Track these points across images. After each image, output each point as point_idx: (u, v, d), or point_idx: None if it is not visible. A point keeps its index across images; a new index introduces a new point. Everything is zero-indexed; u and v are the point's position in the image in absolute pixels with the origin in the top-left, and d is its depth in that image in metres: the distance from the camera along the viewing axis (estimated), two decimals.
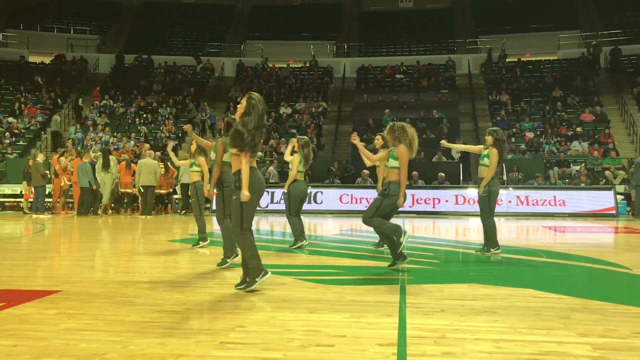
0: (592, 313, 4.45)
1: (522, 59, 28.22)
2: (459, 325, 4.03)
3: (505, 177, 18.53)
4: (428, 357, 3.33)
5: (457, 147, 9.79)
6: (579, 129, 21.64)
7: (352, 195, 17.68)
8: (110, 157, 16.97)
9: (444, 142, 8.96)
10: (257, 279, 5.15)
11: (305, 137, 8.90)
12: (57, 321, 4.08)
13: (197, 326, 4.00)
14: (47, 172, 17.29)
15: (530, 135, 21.99)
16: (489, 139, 7.91)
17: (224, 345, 3.51)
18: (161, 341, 3.59)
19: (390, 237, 6.28)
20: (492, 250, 7.89)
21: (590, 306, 4.72)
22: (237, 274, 6.23)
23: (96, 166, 16.66)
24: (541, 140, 21.56)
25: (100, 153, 17.67)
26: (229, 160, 5.59)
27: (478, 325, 4.05)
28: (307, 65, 30.16)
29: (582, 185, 17.91)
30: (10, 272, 6.47)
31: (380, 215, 6.32)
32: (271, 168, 19.35)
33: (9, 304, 4.58)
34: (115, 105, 26.19)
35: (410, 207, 16.90)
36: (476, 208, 16.74)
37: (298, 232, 8.56)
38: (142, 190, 15.90)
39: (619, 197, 17.16)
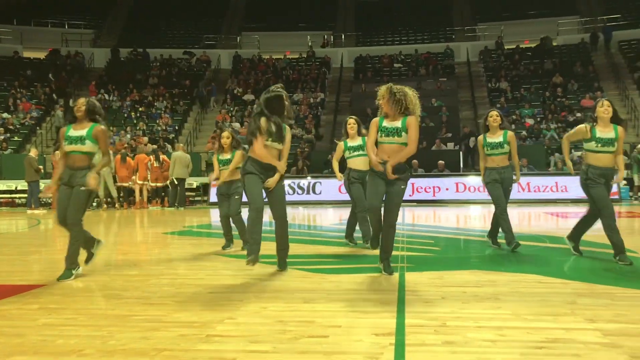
0: (599, 298, 4.24)
1: (521, 46, 27.96)
2: (461, 313, 3.83)
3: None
4: (427, 346, 3.13)
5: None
6: (579, 115, 21.38)
7: None
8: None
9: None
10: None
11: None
12: (37, 316, 3.87)
13: (184, 319, 3.78)
14: (41, 167, 17.03)
15: (530, 121, 21.73)
16: (499, 119, 6.75)
17: (210, 339, 3.30)
18: (144, 335, 3.39)
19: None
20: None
21: (597, 290, 4.52)
22: (229, 265, 6.04)
23: None
24: (542, 126, 21.30)
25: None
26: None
27: (480, 313, 3.84)
28: (304, 56, 29.84)
29: None
30: None
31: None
32: None
33: None
34: (111, 99, 25.89)
35: (410, 195, 16.66)
36: (477, 196, 16.37)
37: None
38: (176, 182, 16.49)
39: (622, 182, 16.92)
